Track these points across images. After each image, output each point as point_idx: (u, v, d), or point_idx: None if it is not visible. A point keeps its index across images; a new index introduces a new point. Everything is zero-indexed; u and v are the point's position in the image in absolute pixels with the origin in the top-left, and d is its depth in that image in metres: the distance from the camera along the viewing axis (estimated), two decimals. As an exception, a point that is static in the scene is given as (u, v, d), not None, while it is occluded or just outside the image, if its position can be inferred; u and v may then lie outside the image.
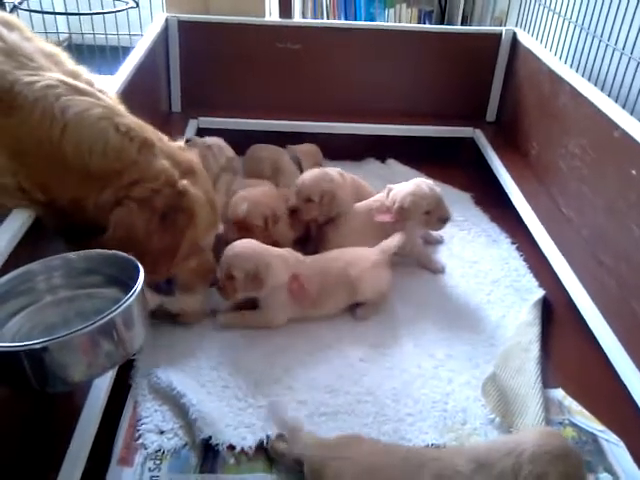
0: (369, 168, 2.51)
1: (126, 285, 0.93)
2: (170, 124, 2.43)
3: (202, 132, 2.36)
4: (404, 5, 3.62)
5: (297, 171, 2.16)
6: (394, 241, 1.79)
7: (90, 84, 1.18)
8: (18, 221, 1.03)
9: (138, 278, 0.92)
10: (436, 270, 1.93)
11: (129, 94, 1.77)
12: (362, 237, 1.88)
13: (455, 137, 2.56)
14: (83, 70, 1.21)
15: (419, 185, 1.86)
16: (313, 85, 2.50)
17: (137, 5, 2.45)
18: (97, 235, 1.07)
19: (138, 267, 0.94)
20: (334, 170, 1.95)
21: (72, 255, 1.00)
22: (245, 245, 1.60)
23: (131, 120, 1.15)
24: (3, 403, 1.00)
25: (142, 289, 0.91)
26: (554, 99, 2.05)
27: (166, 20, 2.34)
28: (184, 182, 1.16)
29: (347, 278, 1.67)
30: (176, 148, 1.24)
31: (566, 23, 2.15)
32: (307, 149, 2.32)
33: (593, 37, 1.94)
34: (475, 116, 2.58)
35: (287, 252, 1.66)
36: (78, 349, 0.80)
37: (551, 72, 2.08)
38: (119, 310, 0.84)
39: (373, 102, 2.54)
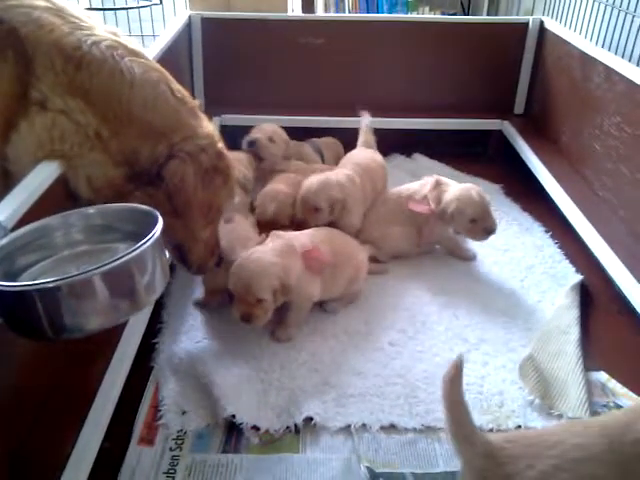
0: (395, 163, 2.46)
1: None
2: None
3: (225, 129, 2.34)
4: (427, 8, 3.61)
5: (320, 161, 2.14)
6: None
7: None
8: (44, 174, 1.02)
9: (156, 228, 0.88)
10: (467, 257, 1.86)
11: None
12: (389, 224, 1.83)
13: (482, 130, 2.50)
14: (119, 31, 1.27)
15: (467, 190, 1.75)
16: (337, 80, 2.48)
17: (160, 2, 2.47)
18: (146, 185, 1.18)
19: (157, 219, 0.91)
20: (342, 173, 1.83)
21: (90, 210, 0.97)
22: (259, 263, 1.41)
23: (180, 87, 1.26)
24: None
25: (160, 238, 0.87)
26: (586, 81, 1.99)
27: (189, 17, 2.35)
28: (221, 145, 1.28)
29: (353, 264, 1.60)
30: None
31: (596, 5, 2.09)
32: (328, 141, 2.32)
33: (626, 14, 1.88)
34: (502, 109, 2.52)
35: (284, 236, 1.52)
36: (92, 290, 0.76)
37: (582, 54, 2.02)
38: (134, 253, 0.80)
39: (398, 96, 2.50)
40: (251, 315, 1.39)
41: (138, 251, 0.80)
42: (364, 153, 2.02)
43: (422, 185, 1.84)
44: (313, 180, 1.77)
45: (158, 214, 0.92)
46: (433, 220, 1.79)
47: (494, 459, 0.88)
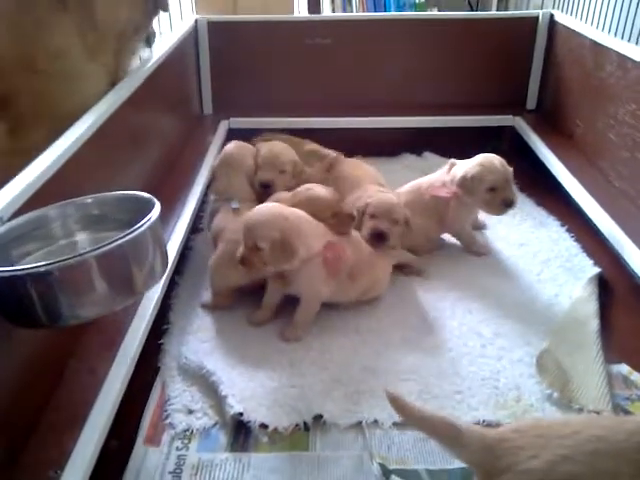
0: (406, 162, 2.43)
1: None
2: (202, 126, 2.42)
3: (233, 133, 2.33)
4: (435, 9, 3.59)
5: None
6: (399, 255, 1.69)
7: None
8: (43, 165, 1.01)
9: (153, 213, 0.86)
10: (481, 253, 1.82)
11: (159, 95, 1.75)
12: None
13: (494, 126, 2.45)
14: None
15: (490, 158, 1.72)
16: (345, 80, 2.46)
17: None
18: None
19: (155, 205, 0.89)
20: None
21: (87, 200, 0.95)
22: (268, 210, 1.39)
23: None
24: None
25: (158, 225, 0.85)
26: (599, 71, 1.95)
27: (195, 21, 2.35)
28: None
29: (373, 274, 1.55)
30: None
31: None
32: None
33: (638, 2, 1.84)
34: (514, 104, 2.48)
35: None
36: (86, 274, 0.74)
37: (593, 44, 1.98)
38: (130, 236, 0.78)
39: (408, 94, 2.48)
40: (246, 260, 1.36)
41: (133, 235, 0.78)
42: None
43: (441, 173, 1.82)
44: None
45: (156, 201, 0.89)
46: (454, 204, 1.75)
47: (492, 452, 0.83)
